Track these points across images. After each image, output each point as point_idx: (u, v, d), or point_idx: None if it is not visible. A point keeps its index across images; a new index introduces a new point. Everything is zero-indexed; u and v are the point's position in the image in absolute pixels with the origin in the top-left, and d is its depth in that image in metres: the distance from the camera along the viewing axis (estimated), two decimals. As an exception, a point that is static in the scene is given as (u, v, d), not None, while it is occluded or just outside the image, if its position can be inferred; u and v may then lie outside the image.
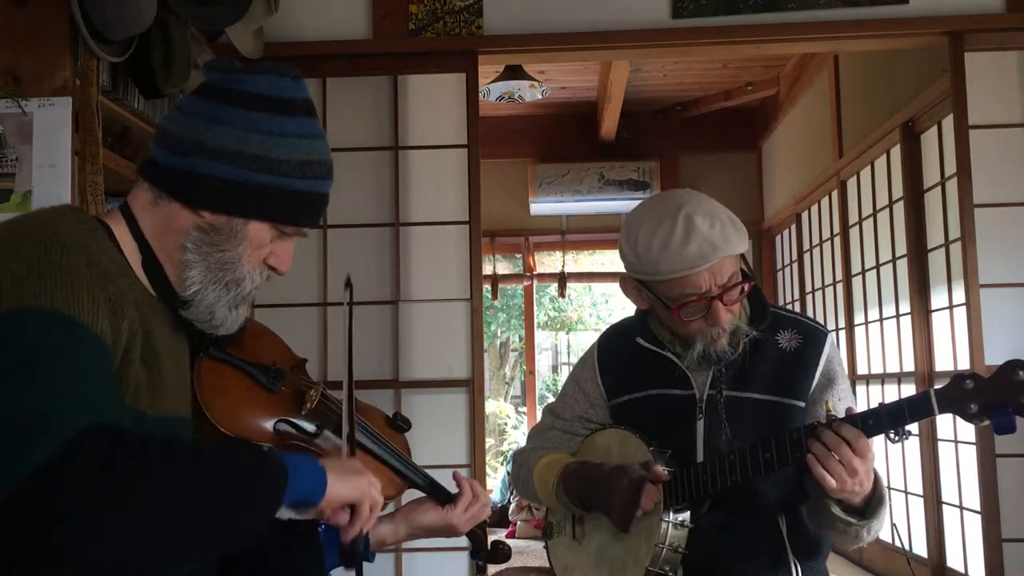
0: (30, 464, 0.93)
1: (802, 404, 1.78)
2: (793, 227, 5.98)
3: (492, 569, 3.13)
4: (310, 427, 1.44)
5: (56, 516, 0.93)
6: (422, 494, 1.62)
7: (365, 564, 1.58)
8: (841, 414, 1.62)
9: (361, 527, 1.26)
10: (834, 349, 1.83)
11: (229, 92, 1.24)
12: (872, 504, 1.64)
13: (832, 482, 1.55)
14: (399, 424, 1.64)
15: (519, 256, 7.12)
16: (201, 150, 1.21)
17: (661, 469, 1.73)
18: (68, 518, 0.93)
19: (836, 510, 1.63)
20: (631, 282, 1.82)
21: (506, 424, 9.63)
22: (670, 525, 1.72)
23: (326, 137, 1.31)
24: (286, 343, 1.56)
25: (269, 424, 1.40)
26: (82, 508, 0.94)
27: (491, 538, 1.75)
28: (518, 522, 5.97)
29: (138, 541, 0.97)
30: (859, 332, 4.80)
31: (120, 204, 1.30)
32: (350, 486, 1.22)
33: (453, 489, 1.63)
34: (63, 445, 0.95)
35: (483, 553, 1.69)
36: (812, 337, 1.82)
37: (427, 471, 1.63)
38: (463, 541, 1.71)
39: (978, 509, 3.36)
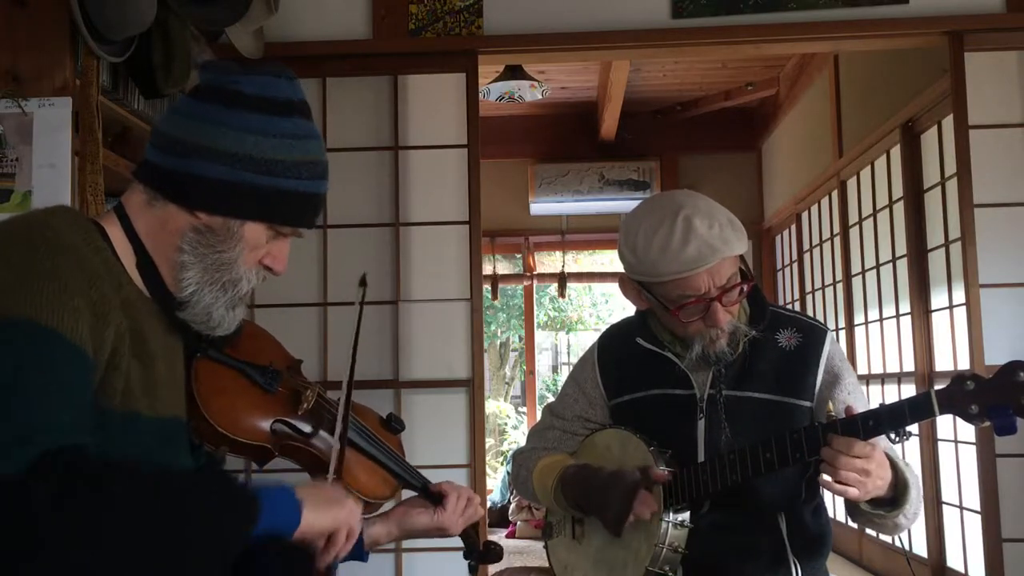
0: None
1: (807, 403, 1.78)
2: (793, 227, 5.98)
3: (491, 570, 3.13)
4: (306, 428, 1.44)
5: (6, 539, 0.92)
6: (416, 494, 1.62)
7: (362, 565, 1.58)
8: (850, 410, 1.61)
9: (335, 555, 1.26)
10: (835, 346, 1.83)
11: (225, 93, 1.24)
12: (899, 489, 1.64)
13: (855, 492, 1.56)
14: (393, 425, 1.64)
15: (519, 256, 7.12)
16: (197, 151, 1.21)
17: (661, 472, 1.72)
18: (18, 543, 0.92)
19: (864, 506, 1.64)
20: (630, 283, 1.82)
21: (506, 424, 9.63)
22: (670, 525, 1.72)
23: (321, 138, 1.31)
24: (281, 344, 1.56)
25: (266, 424, 1.40)
26: (33, 534, 0.93)
27: (486, 538, 1.76)
28: (518, 522, 5.97)
29: (92, 569, 0.96)
30: (859, 332, 4.80)
31: (114, 205, 1.30)
32: (327, 517, 1.22)
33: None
34: (23, 467, 0.95)
35: (475, 553, 1.69)
36: (812, 335, 1.82)
37: (422, 472, 1.63)
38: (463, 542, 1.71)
39: (978, 509, 3.36)
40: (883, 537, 4.41)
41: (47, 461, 0.96)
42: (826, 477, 1.57)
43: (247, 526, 1.09)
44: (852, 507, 1.71)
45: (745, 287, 1.75)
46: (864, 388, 4.63)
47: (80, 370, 1.09)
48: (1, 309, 1.05)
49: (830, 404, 1.69)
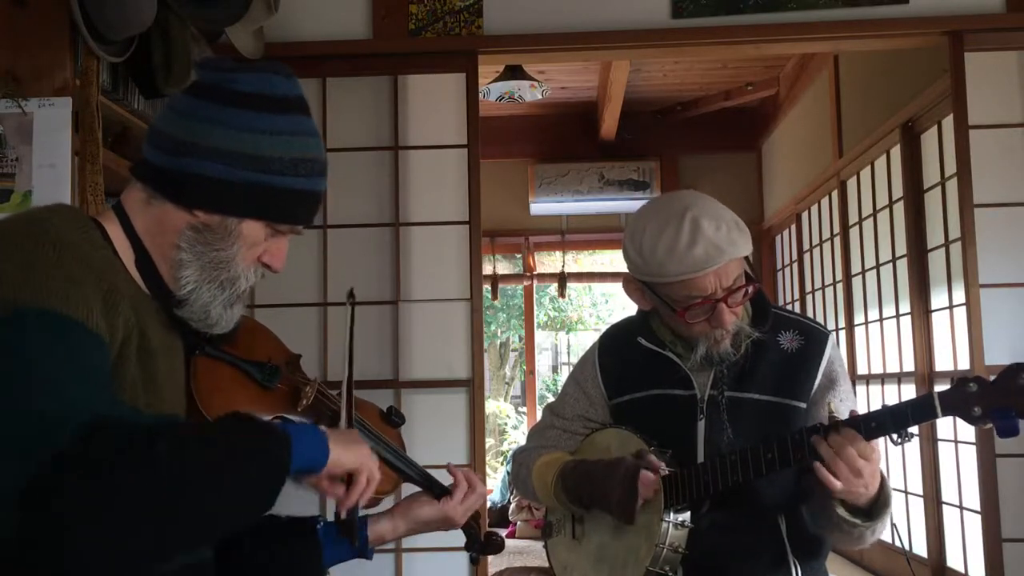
0: (33, 468, 0.93)
1: (803, 405, 1.78)
2: (793, 227, 5.98)
3: (492, 569, 3.13)
4: (306, 424, 1.44)
5: (64, 518, 0.93)
6: (418, 489, 1.62)
7: (365, 563, 1.58)
8: (843, 415, 1.62)
9: (358, 498, 1.26)
10: (835, 350, 1.83)
11: (222, 91, 1.24)
12: (877, 506, 1.64)
13: (838, 484, 1.56)
14: (393, 419, 1.64)
15: (519, 256, 7.12)
16: (194, 149, 1.21)
17: (655, 459, 1.72)
18: (77, 519, 0.93)
19: (841, 511, 1.63)
20: (634, 283, 1.82)
21: (506, 424, 9.64)
22: (670, 525, 1.72)
23: (320, 135, 1.31)
24: (279, 338, 1.56)
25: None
26: (91, 508, 0.94)
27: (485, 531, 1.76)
28: (518, 522, 5.97)
29: (148, 531, 0.97)
30: (859, 332, 4.80)
31: (113, 203, 1.30)
32: (351, 454, 1.23)
33: (447, 481, 1.63)
34: (63, 446, 0.95)
35: (477, 545, 1.69)
36: (813, 338, 1.82)
37: (422, 466, 1.63)
38: (462, 541, 1.71)
39: (978, 509, 3.36)
40: (883, 537, 4.40)
41: (86, 436, 0.97)
42: (818, 464, 1.57)
43: (284, 464, 1.11)
44: (821, 510, 1.71)
45: (750, 289, 1.75)
46: (864, 389, 4.65)
47: (100, 356, 1.09)
48: (18, 301, 1.05)
49: (831, 404, 1.69)
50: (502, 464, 7.57)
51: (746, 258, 1.75)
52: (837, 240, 5.07)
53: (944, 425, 3.89)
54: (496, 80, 5.25)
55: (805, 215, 5.73)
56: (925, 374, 3.99)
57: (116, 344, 1.14)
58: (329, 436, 1.20)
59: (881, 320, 4.51)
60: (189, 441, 1.03)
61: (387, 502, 1.60)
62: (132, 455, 0.97)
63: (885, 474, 1.66)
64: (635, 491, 1.70)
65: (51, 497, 0.93)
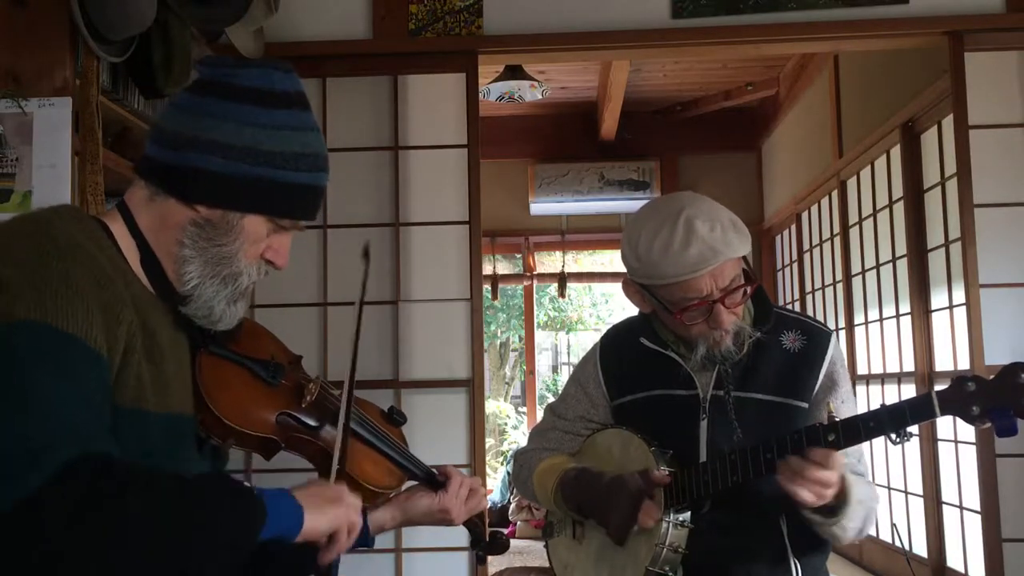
0: (14, 496, 0.95)
1: (805, 405, 1.78)
2: (793, 227, 5.98)
3: (493, 568, 3.13)
4: (311, 420, 1.45)
5: (38, 550, 0.94)
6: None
7: (366, 562, 1.59)
8: (843, 416, 1.62)
9: (337, 552, 1.27)
10: (838, 350, 1.83)
11: (222, 86, 1.24)
12: (840, 500, 1.64)
13: (811, 498, 1.57)
14: (395, 418, 1.65)
15: (519, 256, 7.12)
16: (195, 144, 1.21)
17: (659, 474, 1.72)
18: (50, 553, 0.94)
19: (806, 512, 1.65)
20: (633, 285, 1.82)
21: (506, 424, 9.63)
22: (670, 525, 1.72)
23: (320, 130, 1.31)
24: (281, 340, 1.57)
25: (271, 417, 1.41)
26: (63, 544, 0.95)
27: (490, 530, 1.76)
28: (518, 522, 5.97)
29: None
30: (859, 332, 4.80)
31: (117, 202, 1.31)
32: (328, 518, 1.23)
33: None
34: (47, 479, 0.96)
35: (482, 543, 1.70)
36: (816, 338, 1.82)
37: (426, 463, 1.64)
38: (463, 541, 1.71)
39: (978, 509, 3.36)
40: (883, 537, 4.40)
41: (72, 470, 0.98)
42: (784, 478, 1.58)
43: (254, 531, 1.11)
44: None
45: (748, 289, 1.75)
46: (864, 389, 4.65)
47: (97, 373, 1.09)
48: (16, 312, 1.05)
49: (831, 405, 1.69)
50: (502, 464, 7.57)
51: (745, 258, 1.75)
52: (837, 240, 5.07)
53: (944, 425, 3.89)
54: (496, 80, 5.25)
55: (805, 215, 5.73)
56: (925, 374, 3.99)
57: (118, 354, 1.14)
58: (306, 503, 1.20)
59: (881, 320, 4.51)
60: (167, 494, 1.04)
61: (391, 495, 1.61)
62: (107, 503, 0.98)
63: (851, 473, 1.67)
64: (634, 517, 1.70)
65: (27, 533, 0.94)
